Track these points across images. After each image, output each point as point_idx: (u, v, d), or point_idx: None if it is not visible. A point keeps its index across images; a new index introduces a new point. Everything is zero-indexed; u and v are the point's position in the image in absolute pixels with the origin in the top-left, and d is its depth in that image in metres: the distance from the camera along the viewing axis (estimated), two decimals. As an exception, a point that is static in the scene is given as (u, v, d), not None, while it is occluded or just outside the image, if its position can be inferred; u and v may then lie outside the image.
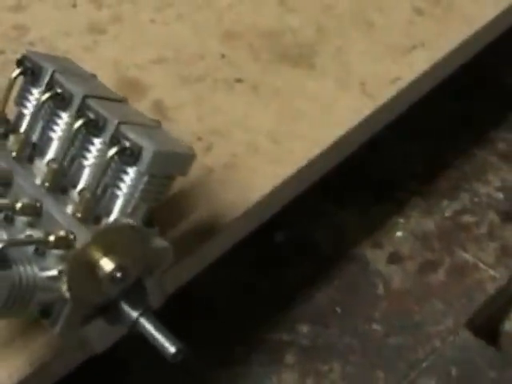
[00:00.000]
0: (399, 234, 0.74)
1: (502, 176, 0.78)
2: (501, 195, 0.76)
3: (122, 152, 0.46)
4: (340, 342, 0.66)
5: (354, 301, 0.69)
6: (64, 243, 0.44)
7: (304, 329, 0.67)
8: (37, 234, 0.45)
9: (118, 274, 0.44)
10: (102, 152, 0.47)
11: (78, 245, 0.44)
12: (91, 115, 0.47)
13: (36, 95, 0.50)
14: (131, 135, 0.46)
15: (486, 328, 0.69)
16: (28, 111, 0.51)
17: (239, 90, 0.64)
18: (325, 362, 0.65)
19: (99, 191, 0.46)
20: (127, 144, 0.46)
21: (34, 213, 0.46)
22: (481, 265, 0.71)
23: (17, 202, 0.45)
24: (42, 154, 0.50)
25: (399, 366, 0.64)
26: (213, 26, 0.69)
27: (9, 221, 0.47)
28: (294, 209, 0.64)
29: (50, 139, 0.50)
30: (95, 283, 0.44)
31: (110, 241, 0.44)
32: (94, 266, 0.44)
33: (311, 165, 0.59)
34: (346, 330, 0.67)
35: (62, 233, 0.44)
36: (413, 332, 0.66)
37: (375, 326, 0.67)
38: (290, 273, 0.71)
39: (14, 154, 0.49)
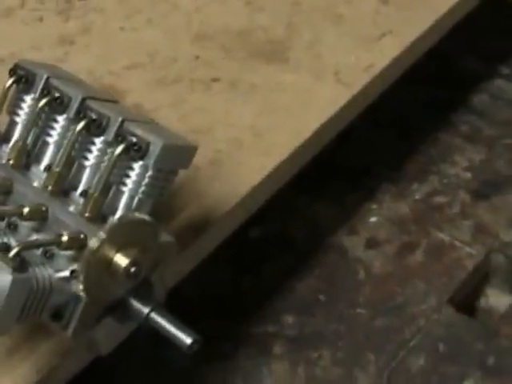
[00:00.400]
0: (373, 219, 0.76)
1: (467, 156, 0.80)
2: (469, 175, 0.79)
3: (128, 148, 0.46)
4: (327, 329, 0.68)
5: (337, 288, 0.70)
6: (76, 243, 0.45)
7: (289, 319, 0.68)
8: (44, 237, 0.46)
9: (133, 269, 0.45)
10: (103, 151, 0.48)
11: (93, 243, 0.44)
12: (93, 115, 0.48)
13: (29, 102, 0.50)
14: (138, 131, 0.47)
15: (467, 304, 0.71)
16: (20, 119, 0.51)
17: (217, 89, 0.65)
18: (314, 350, 0.66)
19: (106, 189, 0.47)
20: (134, 140, 0.47)
21: (41, 217, 0.46)
22: (457, 243, 0.73)
23: (23, 207, 0.45)
24: (39, 159, 0.50)
25: (388, 348, 0.66)
26: (183, 29, 0.70)
27: (12, 228, 0.47)
28: (268, 203, 0.65)
29: (47, 144, 0.50)
30: (109, 280, 0.45)
31: (122, 236, 0.45)
32: (108, 264, 0.45)
33: (294, 155, 0.60)
34: (331, 317, 0.68)
35: (73, 233, 0.45)
36: (397, 313, 0.68)
37: (360, 311, 0.69)
38: (269, 267, 0.72)
39: (11, 161, 0.49)
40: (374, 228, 0.75)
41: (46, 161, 0.50)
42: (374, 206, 0.77)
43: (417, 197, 0.77)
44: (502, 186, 0.78)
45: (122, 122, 0.47)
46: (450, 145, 0.81)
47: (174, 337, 0.46)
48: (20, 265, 0.42)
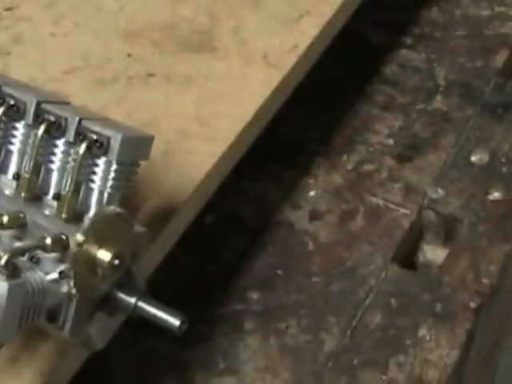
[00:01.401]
0: (312, 193, 0.80)
1: (387, 124, 0.85)
2: (391, 141, 0.83)
3: (90, 146, 0.48)
4: (289, 301, 0.71)
5: (291, 261, 0.74)
6: (59, 245, 0.46)
7: (254, 296, 0.71)
8: (26, 244, 0.47)
9: (117, 262, 0.46)
10: (66, 152, 0.50)
11: (75, 242, 0.46)
12: (51, 118, 0.49)
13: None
14: (96, 128, 0.49)
15: (407, 260, 0.76)
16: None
17: (154, 84, 0.67)
18: (281, 321, 0.69)
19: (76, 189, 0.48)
20: (95, 137, 0.48)
21: (20, 224, 0.47)
22: (391, 205, 0.78)
23: (2, 216, 0.46)
24: (5, 168, 0.51)
25: (346, 309, 0.70)
26: (112, 29, 0.72)
27: (-8, 240, 0.47)
28: (216, 190, 0.68)
29: (10, 152, 0.51)
30: (96, 276, 0.46)
31: (101, 232, 0.47)
32: (93, 259, 0.46)
33: (239, 139, 0.63)
34: (290, 288, 0.72)
35: (55, 235, 0.46)
36: (349, 276, 0.72)
37: (315, 279, 0.72)
38: (226, 250, 0.74)
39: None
40: (314, 201, 0.78)
41: (12, 169, 0.51)
42: (311, 181, 0.80)
43: (348, 167, 0.81)
44: (421, 148, 0.83)
45: (80, 121, 0.49)
46: (369, 115, 0.86)
47: (163, 321, 0.48)
48: (12, 271, 0.43)
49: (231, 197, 0.79)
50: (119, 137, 0.49)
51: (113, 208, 0.49)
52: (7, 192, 0.50)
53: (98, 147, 0.49)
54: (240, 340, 0.68)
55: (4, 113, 0.50)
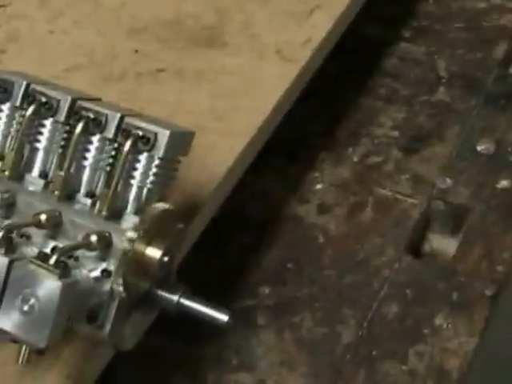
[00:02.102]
0: (319, 186, 0.79)
1: (391, 116, 0.85)
2: (396, 133, 0.83)
3: (136, 142, 0.47)
4: (302, 294, 0.70)
5: (301, 255, 0.73)
6: (103, 243, 0.45)
7: (265, 291, 0.71)
8: (63, 243, 0.46)
9: (166, 259, 0.46)
10: (101, 149, 0.49)
11: (125, 240, 0.45)
12: (90, 115, 0.48)
13: (7, 112, 0.50)
14: (141, 124, 0.48)
15: (417, 249, 0.76)
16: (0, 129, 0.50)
17: (165, 79, 0.67)
18: (295, 315, 0.69)
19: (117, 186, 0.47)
20: (140, 133, 0.47)
21: (55, 223, 0.46)
22: (400, 196, 0.78)
23: (39, 215, 0.45)
24: (30, 167, 0.50)
25: (361, 301, 0.70)
26: (115, 26, 0.71)
27: (25, 238, 0.46)
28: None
29: (36, 151, 0.50)
30: (142, 274, 0.46)
31: (151, 229, 0.46)
32: (141, 257, 0.45)
33: (259, 134, 0.63)
34: (302, 282, 0.71)
35: (99, 233, 0.45)
36: (362, 268, 0.72)
37: (327, 272, 0.72)
38: (234, 246, 0.74)
39: (6, 173, 0.48)
40: (322, 194, 0.78)
41: (38, 167, 0.50)
42: (317, 174, 0.80)
43: (354, 160, 0.81)
44: (427, 139, 0.83)
45: (122, 117, 0.48)
46: (372, 108, 0.86)
47: (210, 317, 0.47)
48: (63, 270, 0.42)
49: (236, 193, 0.79)
50: (167, 133, 0.48)
51: (162, 204, 0.48)
52: (31, 189, 0.49)
53: (144, 143, 0.48)
54: (253, 335, 0.67)
55: (35, 111, 0.49)
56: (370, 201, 0.78)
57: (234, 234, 0.75)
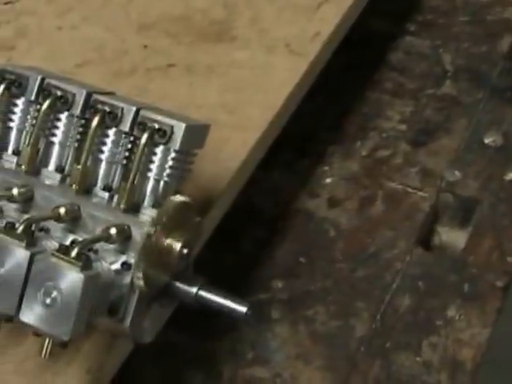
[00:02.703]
0: (329, 180, 0.80)
1: (398, 110, 0.85)
2: (404, 126, 0.84)
3: (152, 135, 0.47)
4: (315, 288, 0.70)
5: (313, 248, 0.73)
6: (122, 236, 0.45)
7: (278, 284, 0.71)
8: (82, 236, 0.46)
9: (185, 251, 0.46)
10: (117, 143, 0.48)
11: (145, 233, 0.45)
12: (106, 108, 0.48)
13: (22, 106, 0.50)
14: (158, 117, 0.48)
15: (428, 242, 0.76)
16: (15, 124, 0.50)
17: (175, 74, 0.67)
18: (308, 308, 0.69)
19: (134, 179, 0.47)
20: (157, 126, 0.47)
21: (74, 217, 0.46)
22: (409, 189, 0.78)
23: (58, 209, 0.45)
24: (46, 161, 0.50)
25: (374, 294, 0.70)
26: (123, 22, 0.71)
27: (44, 232, 0.46)
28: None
29: (52, 145, 0.50)
30: (162, 266, 0.46)
31: (170, 221, 0.46)
32: (161, 250, 0.45)
33: (271, 127, 0.63)
34: (315, 275, 0.71)
35: (119, 226, 0.45)
36: (374, 261, 0.72)
37: (340, 265, 0.72)
38: (246, 241, 0.74)
39: (23, 168, 0.48)
40: (332, 188, 0.78)
41: (54, 162, 0.49)
42: (326, 168, 0.80)
43: (363, 153, 0.81)
44: (434, 132, 0.83)
45: (138, 110, 0.48)
46: (379, 101, 0.86)
47: (229, 308, 0.47)
48: (85, 263, 0.42)
49: (247, 186, 0.79)
50: (183, 125, 0.48)
51: (179, 196, 0.48)
52: (48, 183, 0.48)
53: (161, 136, 0.48)
54: (268, 329, 0.67)
55: (51, 105, 0.48)
56: (380, 194, 0.78)
57: (246, 229, 0.75)
